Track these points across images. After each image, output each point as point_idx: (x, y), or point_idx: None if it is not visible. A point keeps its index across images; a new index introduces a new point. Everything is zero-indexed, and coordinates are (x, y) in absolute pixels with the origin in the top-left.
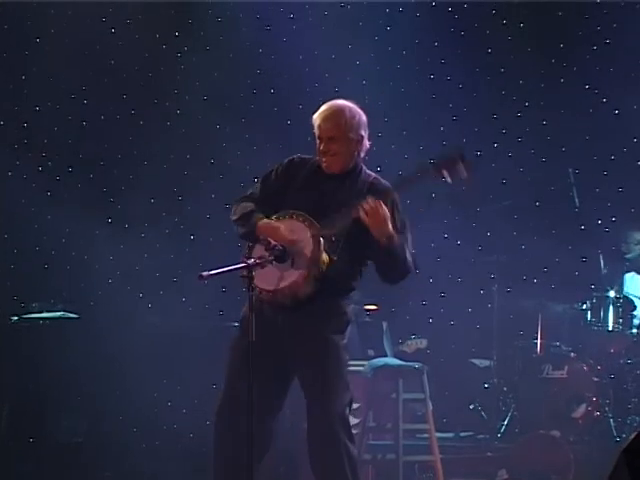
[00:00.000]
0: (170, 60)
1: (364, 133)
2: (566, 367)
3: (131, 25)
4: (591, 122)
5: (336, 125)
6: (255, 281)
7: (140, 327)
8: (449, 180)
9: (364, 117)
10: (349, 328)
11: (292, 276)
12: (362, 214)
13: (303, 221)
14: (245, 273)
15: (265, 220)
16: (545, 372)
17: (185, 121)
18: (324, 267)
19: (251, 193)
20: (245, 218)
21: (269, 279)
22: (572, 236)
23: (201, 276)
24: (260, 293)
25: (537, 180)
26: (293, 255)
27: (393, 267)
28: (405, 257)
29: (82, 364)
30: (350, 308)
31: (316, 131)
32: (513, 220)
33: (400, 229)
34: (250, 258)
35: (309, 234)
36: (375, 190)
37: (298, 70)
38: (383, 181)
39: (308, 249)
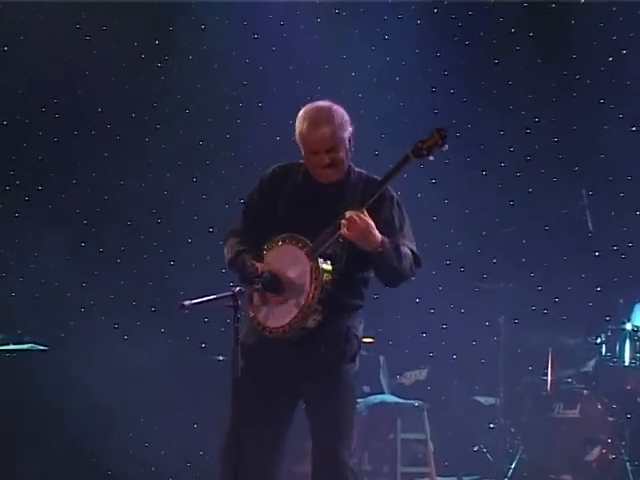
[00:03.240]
0: (149, 70)
1: (351, 129)
2: (579, 406)
3: (107, 32)
4: (606, 139)
5: (332, 133)
6: (260, 319)
7: (115, 361)
8: (432, 158)
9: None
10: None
11: (295, 308)
12: (342, 230)
13: (296, 243)
14: (231, 303)
15: (252, 263)
16: (556, 411)
17: (165, 136)
18: (329, 287)
19: (238, 224)
20: (235, 263)
21: (274, 315)
22: (585, 263)
23: (182, 305)
24: (269, 333)
25: (547, 202)
26: (289, 283)
27: (390, 273)
28: (401, 261)
29: (51, 401)
30: (360, 329)
31: (307, 145)
32: (521, 246)
33: (399, 227)
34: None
35: (305, 256)
36: (373, 189)
37: (288, 82)
38: (375, 177)
39: (306, 274)
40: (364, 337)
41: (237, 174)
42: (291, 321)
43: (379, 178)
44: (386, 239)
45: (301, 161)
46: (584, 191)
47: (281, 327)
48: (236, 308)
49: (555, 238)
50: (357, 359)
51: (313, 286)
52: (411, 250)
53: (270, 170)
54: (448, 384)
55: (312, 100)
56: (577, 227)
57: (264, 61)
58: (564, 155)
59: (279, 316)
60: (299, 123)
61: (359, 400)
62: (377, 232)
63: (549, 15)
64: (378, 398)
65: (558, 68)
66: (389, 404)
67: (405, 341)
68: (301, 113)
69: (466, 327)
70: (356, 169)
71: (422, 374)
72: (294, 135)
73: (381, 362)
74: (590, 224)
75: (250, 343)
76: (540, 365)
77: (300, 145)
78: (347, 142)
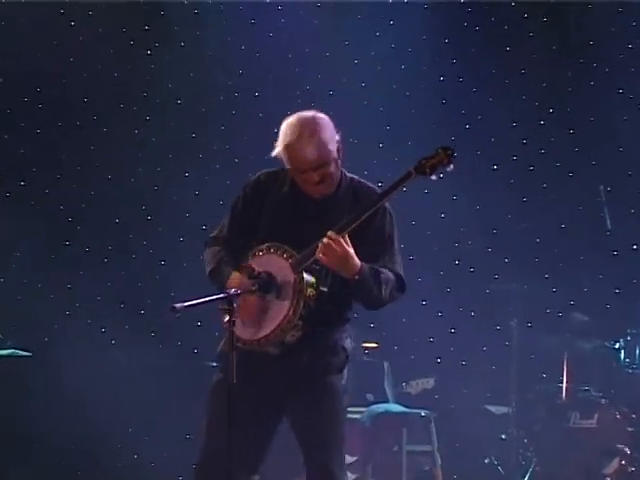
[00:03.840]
0: (139, 57)
1: (338, 137)
2: (596, 415)
3: (93, 17)
4: (625, 131)
5: (319, 150)
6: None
7: (102, 367)
8: (434, 178)
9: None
10: (347, 365)
11: (274, 321)
12: (318, 255)
13: (281, 254)
14: (225, 305)
15: (234, 275)
16: (572, 421)
17: (155, 128)
18: (311, 302)
19: (219, 231)
20: (215, 272)
21: (249, 327)
22: (603, 263)
23: (173, 308)
24: (243, 345)
25: (563, 198)
26: (279, 288)
27: (367, 300)
28: (380, 288)
29: (34, 408)
30: (348, 342)
31: (293, 164)
32: (535, 244)
33: (387, 238)
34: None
35: (289, 268)
36: (360, 197)
37: (286, 70)
38: (367, 184)
39: (289, 287)
40: (367, 342)
41: (232, 168)
42: (268, 335)
43: (371, 185)
44: (365, 266)
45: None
46: (602, 187)
47: (256, 340)
48: (231, 311)
49: (571, 237)
50: (345, 372)
51: (295, 300)
52: (395, 273)
53: (255, 177)
54: (457, 392)
55: (311, 90)
56: (594, 225)
57: (261, 48)
58: (580, 148)
59: (256, 327)
60: (282, 140)
61: (362, 409)
62: (355, 259)
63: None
64: (382, 407)
65: (574, 55)
66: (394, 414)
67: (411, 346)
68: (283, 127)
69: (476, 331)
70: (348, 175)
71: (429, 383)
72: (275, 148)
73: (385, 369)
74: (608, 222)
75: (225, 351)
76: (555, 372)
77: (284, 160)
78: (336, 153)
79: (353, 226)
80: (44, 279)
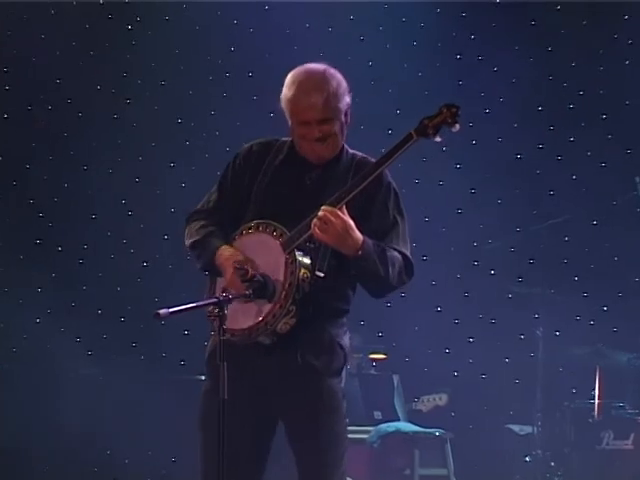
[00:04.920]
0: (118, 33)
1: (349, 99)
2: (632, 435)
3: None
4: None
5: (325, 101)
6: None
7: (76, 380)
8: (439, 139)
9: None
10: (347, 366)
11: (265, 307)
12: (314, 230)
13: (271, 232)
14: (214, 311)
15: (225, 248)
16: (605, 442)
17: (137, 113)
18: (305, 285)
19: (205, 203)
20: (200, 245)
21: (239, 316)
22: None
23: (157, 314)
24: (232, 335)
25: (594, 191)
26: (274, 289)
27: (372, 281)
28: (387, 267)
29: (1, 427)
30: (346, 339)
31: (294, 114)
32: (563, 243)
33: (392, 222)
34: (215, 294)
35: (279, 247)
36: (363, 173)
37: (284, 47)
38: (371, 160)
39: (280, 268)
40: (374, 352)
41: (223, 157)
42: (258, 322)
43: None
44: (369, 240)
45: (285, 138)
46: (638, 178)
47: (247, 329)
48: (222, 318)
49: (604, 234)
50: (343, 374)
51: (287, 282)
52: (402, 254)
53: (247, 146)
54: (475, 409)
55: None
56: (630, 221)
57: (255, 23)
58: (614, 135)
59: (244, 316)
60: (286, 88)
61: (369, 429)
62: (357, 232)
63: None
64: (392, 426)
65: (606, 31)
66: (405, 433)
67: (424, 358)
68: (289, 76)
69: (497, 341)
70: (350, 150)
71: (442, 399)
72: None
73: (395, 383)
74: None
75: (213, 353)
76: (585, 386)
77: (286, 114)
78: (343, 114)
79: (350, 196)
80: (11, 282)
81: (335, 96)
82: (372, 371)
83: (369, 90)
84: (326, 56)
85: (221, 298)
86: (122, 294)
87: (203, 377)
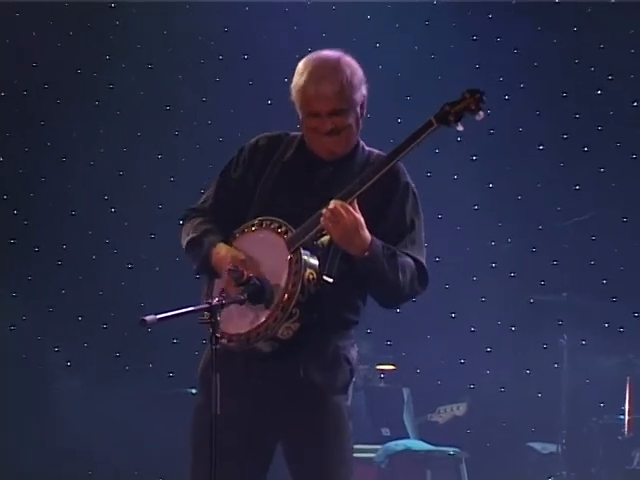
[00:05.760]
0: (100, 12)
1: (365, 90)
2: None
3: None
4: None
5: (339, 90)
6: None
7: (55, 394)
8: (461, 128)
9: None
10: (353, 382)
11: (266, 309)
12: (323, 222)
13: (275, 229)
14: (206, 318)
15: (221, 246)
16: (636, 462)
17: (120, 99)
18: (311, 287)
19: (204, 201)
20: (195, 245)
21: (236, 320)
22: None
23: (143, 321)
24: (229, 342)
25: (624, 185)
26: (272, 292)
27: (380, 287)
28: (396, 272)
29: None
30: (353, 352)
31: (305, 104)
32: (590, 243)
33: (409, 227)
34: (212, 298)
35: (284, 245)
36: (377, 166)
37: (283, 27)
38: None
39: (284, 267)
40: (383, 364)
41: (215, 148)
42: (258, 326)
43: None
44: (378, 242)
45: (295, 133)
46: None
47: (245, 334)
48: (214, 325)
49: (634, 233)
50: (350, 391)
51: (291, 283)
52: (416, 261)
53: (253, 140)
54: (493, 425)
55: (314, 50)
56: None
57: (251, 0)
58: None
59: (242, 320)
60: (297, 75)
61: (377, 447)
62: (366, 232)
63: None
64: (401, 444)
65: (637, 9)
66: (416, 452)
67: (437, 369)
68: (301, 64)
69: (517, 350)
70: (366, 147)
71: (460, 409)
72: (290, 94)
73: (405, 397)
74: None
75: (209, 364)
76: (615, 400)
77: (297, 105)
78: (358, 106)
79: (363, 189)
80: None
81: (349, 86)
82: (380, 384)
83: (376, 75)
84: (328, 37)
85: (213, 303)
86: (104, 299)
87: (194, 390)
